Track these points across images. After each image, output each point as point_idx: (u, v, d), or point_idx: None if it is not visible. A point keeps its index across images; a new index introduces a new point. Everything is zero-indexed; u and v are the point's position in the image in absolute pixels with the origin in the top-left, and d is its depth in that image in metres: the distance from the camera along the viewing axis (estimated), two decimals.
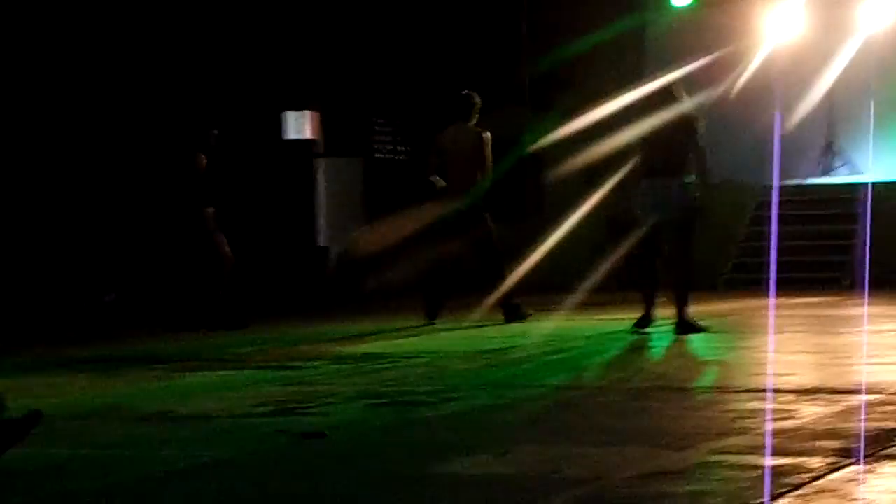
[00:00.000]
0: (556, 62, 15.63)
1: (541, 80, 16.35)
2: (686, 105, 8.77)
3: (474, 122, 10.31)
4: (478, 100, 10.35)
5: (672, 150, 8.57)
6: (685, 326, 8.60)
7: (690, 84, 9.61)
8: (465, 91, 10.44)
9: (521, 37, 16.63)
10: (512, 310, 10.22)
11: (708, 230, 15.38)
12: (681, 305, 8.65)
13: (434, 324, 10.14)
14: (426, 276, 10.35)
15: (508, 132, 15.52)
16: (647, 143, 8.67)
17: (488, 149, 10.21)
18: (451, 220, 9.99)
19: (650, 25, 16.59)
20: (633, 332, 8.70)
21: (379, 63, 16.53)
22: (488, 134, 10.26)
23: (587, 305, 11.20)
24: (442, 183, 10.16)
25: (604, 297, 11.41)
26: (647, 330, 8.74)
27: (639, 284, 9.09)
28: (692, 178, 8.71)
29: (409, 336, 9.45)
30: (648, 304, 8.81)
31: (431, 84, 16.43)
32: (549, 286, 14.35)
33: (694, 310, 8.95)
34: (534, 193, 16.63)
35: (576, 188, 14.45)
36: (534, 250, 15.21)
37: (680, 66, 12.72)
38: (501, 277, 10.16)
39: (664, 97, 8.70)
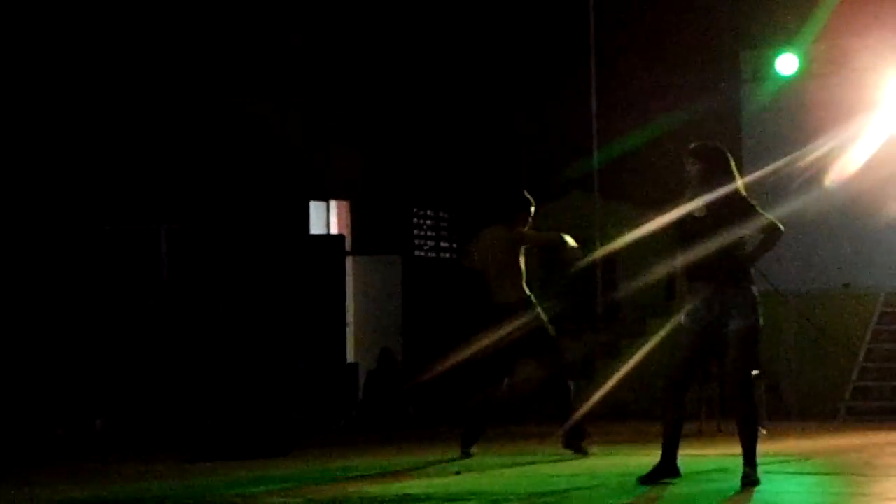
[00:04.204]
0: (632, 143, 15.67)
1: (613, 164, 16.38)
2: (735, 183, 8.07)
3: (523, 226, 10.30)
4: (527, 203, 10.31)
5: (718, 242, 7.91)
6: (748, 474, 7.98)
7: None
8: (519, 190, 10.48)
9: (590, 114, 16.73)
10: (574, 438, 10.16)
11: (823, 347, 15.18)
12: (746, 442, 8.03)
13: (470, 455, 10.12)
14: (475, 403, 10.36)
15: (575, 223, 15.57)
16: (683, 237, 8.07)
17: (524, 246, 10.24)
18: (505, 341, 10.07)
19: (748, 99, 16.61)
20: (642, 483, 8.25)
21: (422, 143, 16.64)
22: (527, 234, 10.25)
23: None
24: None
25: (691, 427, 11.24)
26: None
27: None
28: (754, 287, 8.05)
29: (455, 472, 9.35)
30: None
31: (484, 167, 16.47)
32: (629, 412, 14.20)
33: (802, 447, 8.69)
34: (607, 300, 16.56)
35: (656, 295, 14.42)
36: (608, 369, 15.13)
37: (783, 147, 12.63)
38: (567, 403, 10.15)
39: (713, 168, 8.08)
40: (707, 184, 8.01)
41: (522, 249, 10.24)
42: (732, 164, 8.16)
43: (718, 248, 7.88)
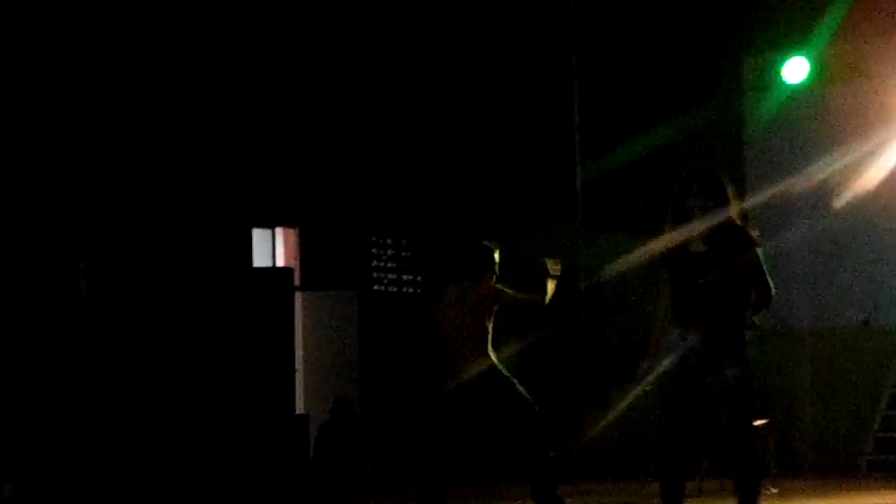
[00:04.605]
0: (620, 162, 15.63)
1: (598, 186, 16.35)
2: (732, 208, 7.99)
3: (488, 281, 10.35)
4: (497, 255, 10.39)
5: (717, 282, 7.85)
6: None
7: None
8: (486, 242, 10.51)
9: (572, 128, 16.72)
10: None
11: (840, 391, 15.15)
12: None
13: None
14: (434, 460, 10.30)
15: (554, 253, 15.46)
16: (673, 271, 7.97)
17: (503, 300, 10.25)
18: (466, 410, 10.07)
19: (752, 110, 16.64)
20: None
21: (381, 161, 16.59)
22: (506, 296, 10.29)
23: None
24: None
25: (691, 486, 11.18)
26: None
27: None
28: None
29: None
30: None
31: (453, 189, 16.40)
32: (621, 469, 14.15)
33: None
34: (594, 340, 16.56)
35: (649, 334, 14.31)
36: (597, 420, 15.06)
37: (792, 163, 12.52)
38: (544, 465, 10.04)
39: (712, 191, 7.95)
40: (707, 213, 7.91)
41: (494, 309, 10.24)
42: (732, 190, 8.04)
43: (718, 288, 7.82)
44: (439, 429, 10.19)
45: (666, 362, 7.95)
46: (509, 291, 10.35)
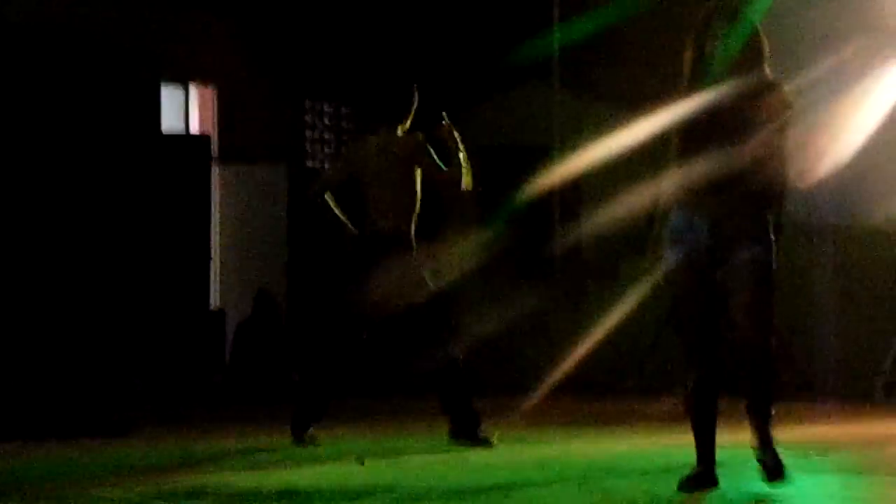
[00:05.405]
0: (606, 18, 15.60)
1: (580, 47, 16.36)
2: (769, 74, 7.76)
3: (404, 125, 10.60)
4: (415, 97, 10.62)
5: (737, 151, 7.61)
6: (771, 463, 7.81)
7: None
8: (410, 84, 10.70)
9: None
10: (466, 421, 10.25)
11: (864, 302, 15.25)
12: (762, 422, 7.85)
13: (304, 443, 10.26)
14: (310, 364, 10.50)
15: (527, 124, 15.56)
16: (691, 136, 7.76)
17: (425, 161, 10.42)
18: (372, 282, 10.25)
19: None
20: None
21: (318, 7, 16.52)
22: (425, 162, 10.44)
23: (647, 417, 11.20)
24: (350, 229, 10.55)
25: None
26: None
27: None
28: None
29: (357, 459, 9.39)
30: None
31: (405, 45, 16.39)
32: (587, 384, 14.37)
33: (826, 435, 8.67)
34: (567, 233, 16.67)
35: (634, 227, 14.39)
36: (568, 326, 15.25)
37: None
38: (452, 364, 10.23)
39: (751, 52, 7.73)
40: (734, 64, 7.69)
41: (418, 170, 10.38)
42: (766, 44, 7.81)
43: (737, 157, 7.62)
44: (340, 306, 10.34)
45: (668, 258, 7.79)
46: (430, 161, 10.43)
